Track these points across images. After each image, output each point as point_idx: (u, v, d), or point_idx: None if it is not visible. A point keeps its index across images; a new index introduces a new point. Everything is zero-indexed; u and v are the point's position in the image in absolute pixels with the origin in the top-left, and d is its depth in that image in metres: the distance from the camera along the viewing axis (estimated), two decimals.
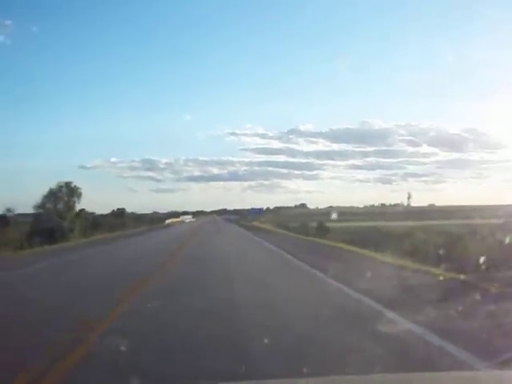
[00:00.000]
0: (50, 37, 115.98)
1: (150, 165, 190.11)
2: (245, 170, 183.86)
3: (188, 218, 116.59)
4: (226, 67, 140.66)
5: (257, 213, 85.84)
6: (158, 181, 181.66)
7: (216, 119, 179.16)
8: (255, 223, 71.32)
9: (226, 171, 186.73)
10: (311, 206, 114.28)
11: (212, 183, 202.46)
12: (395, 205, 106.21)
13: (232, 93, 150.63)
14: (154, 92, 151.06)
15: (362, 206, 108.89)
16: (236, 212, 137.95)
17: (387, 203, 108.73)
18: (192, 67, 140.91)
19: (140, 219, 79.35)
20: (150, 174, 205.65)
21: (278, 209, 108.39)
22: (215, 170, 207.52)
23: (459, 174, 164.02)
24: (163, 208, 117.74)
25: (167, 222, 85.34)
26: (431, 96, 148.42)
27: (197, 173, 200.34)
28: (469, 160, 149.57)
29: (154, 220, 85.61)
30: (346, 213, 69.32)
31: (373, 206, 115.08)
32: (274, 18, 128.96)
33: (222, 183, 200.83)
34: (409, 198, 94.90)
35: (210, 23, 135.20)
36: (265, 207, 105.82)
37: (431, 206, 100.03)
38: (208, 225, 70.80)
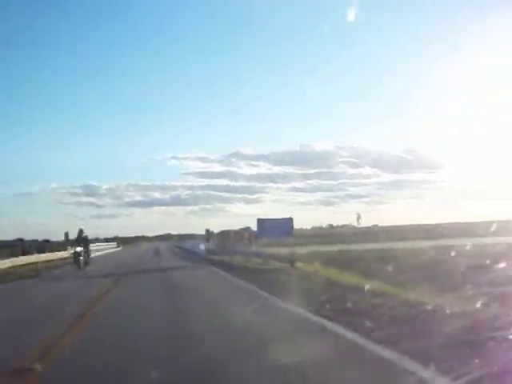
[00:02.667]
0: None
1: (90, 190, 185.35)
2: (187, 194, 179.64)
3: (102, 249, 57.25)
4: (166, 91, 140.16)
5: (284, 231, 27.73)
6: (100, 206, 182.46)
7: (157, 143, 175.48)
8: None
9: (168, 196, 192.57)
10: (256, 229, 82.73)
11: (154, 208, 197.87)
12: (343, 226, 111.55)
13: (173, 116, 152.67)
14: (94, 117, 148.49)
15: (309, 227, 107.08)
16: (193, 237, 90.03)
17: (334, 224, 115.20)
18: (132, 91, 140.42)
19: None
20: (91, 199, 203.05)
21: (224, 232, 78.12)
22: (157, 195, 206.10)
23: (400, 194, 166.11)
24: (105, 234, 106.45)
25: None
26: (372, 117, 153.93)
27: (138, 198, 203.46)
28: (409, 181, 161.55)
29: None
30: (303, 235, 58.15)
31: (321, 227, 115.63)
32: (214, 39, 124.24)
33: (164, 208, 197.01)
34: (358, 218, 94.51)
35: (149, 46, 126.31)
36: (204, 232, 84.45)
37: (375, 226, 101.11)
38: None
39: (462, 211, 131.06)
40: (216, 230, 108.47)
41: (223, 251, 38.29)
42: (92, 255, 48.68)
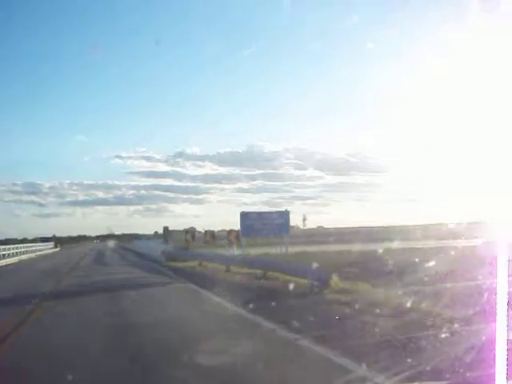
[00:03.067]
0: None
1: (32, 188, 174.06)
2: (131, 194, 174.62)
3: (32, 250, 47.47)
4: (111, 88, 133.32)
5: (279, 228, 19.76)
6: (42, 205, 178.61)
7: (101, 142, 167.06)
8: None
9: (111, 195, 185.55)
10: (200, 229, 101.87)
11: (97, 207, 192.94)
12: (290, 227, 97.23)
13: (118, 115, 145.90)
14: (36, 113, 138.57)
15: None
16: (139, 236, 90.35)
17: None
18: (77, 88, 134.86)
19: None
20: (32, 198, 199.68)
21: (169, 233, 74.55)
22: (101, 194, 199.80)
23: (344, 196, 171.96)
24: (46, 233, 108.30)
25: None
26: (318, 120, 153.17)
27: (82, 197, 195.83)
28: (353, 183, 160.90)
29: None
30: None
31: None
32: (159, 35, 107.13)
33: (107, 207, 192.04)
34: (304, 220, 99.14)
35: (91, 41, 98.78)
36: (153, 232, 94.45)
37: (320, 228, 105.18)
38: None
39: (406, 214, 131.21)
40: (160, 230, 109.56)
41: (187, 255, 29.81)
42: (13, 259, 38.89)
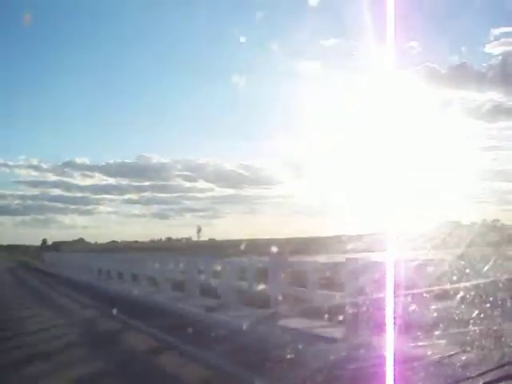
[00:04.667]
0: None
1: None
2: (17, 204, 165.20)
3: None
4: None
5: None
6: None
7: None
8: None
9: None
10: (90, 240, 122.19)
11: None
12: (182, 239, 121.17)
13: (2, 121, 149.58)
14: None
15: (147, 240, 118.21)
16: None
17: (173, 237, 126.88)
18: None
19: None
20: None
21: (57, 244, 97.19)
22: None
23: (235, 209, 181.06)
24: None
25: None
26: (208, 132, 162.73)
27: None
28: (244, 196, 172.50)
29: None
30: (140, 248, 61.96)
31: (160, 240, 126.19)
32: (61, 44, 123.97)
33: None
34: (199, 231, 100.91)
35: None
36: (40, 243, 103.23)
37: (211, 240, 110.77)
38: None
39: (298, 226, 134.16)
40: (50, 241, 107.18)
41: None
42: None
